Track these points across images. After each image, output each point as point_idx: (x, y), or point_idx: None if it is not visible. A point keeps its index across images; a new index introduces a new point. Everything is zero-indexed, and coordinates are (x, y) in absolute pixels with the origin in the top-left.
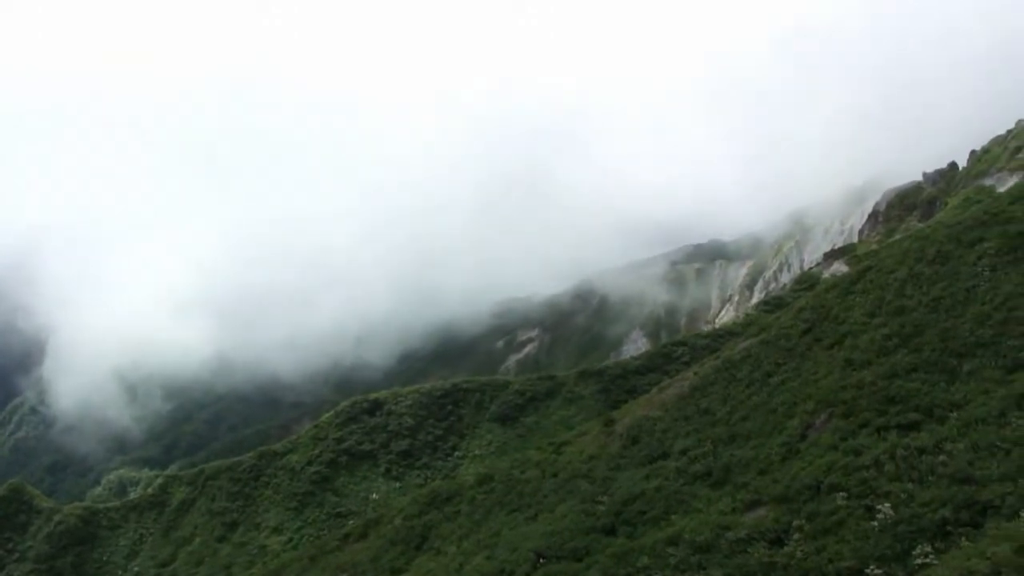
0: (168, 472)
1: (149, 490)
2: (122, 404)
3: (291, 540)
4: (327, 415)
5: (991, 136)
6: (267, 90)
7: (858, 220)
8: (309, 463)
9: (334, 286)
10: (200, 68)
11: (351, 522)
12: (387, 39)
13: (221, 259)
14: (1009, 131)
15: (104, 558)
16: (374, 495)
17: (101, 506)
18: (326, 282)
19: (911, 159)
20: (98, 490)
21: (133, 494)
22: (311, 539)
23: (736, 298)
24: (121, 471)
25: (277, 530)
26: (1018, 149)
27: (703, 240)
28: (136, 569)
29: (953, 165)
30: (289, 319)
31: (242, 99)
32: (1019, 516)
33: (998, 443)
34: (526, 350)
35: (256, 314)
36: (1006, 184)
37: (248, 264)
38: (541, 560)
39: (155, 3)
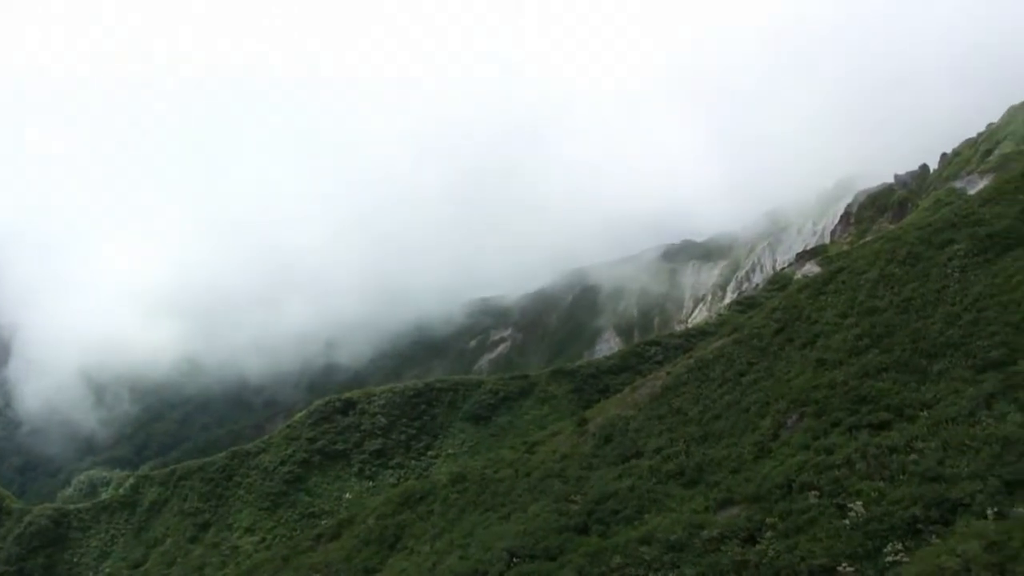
0: (139, 472)
1: (120, 490)
2: (88, 406)
3: (264, 540)
4: (300, 415)
5: (962, 139)
6: (237, 92)
7: (830, 221)
8: (282, 463)
9: (305, 288)
10: (172, 70)
11: (324, 522)
12: (358, 38)
13: (191, 260)
14: (979, 134)
15: (75, 559)
16: (347, 495)
17: (72, 507)
18: (297, 284)
19: (883, 161)
20: (68, 491)
21: (104, 494)
22: (284, 539)
23: (709, 298)
24: (92, 471)
25: (250, 530)
26: (988, 152)
27: (676, 240)
28: (107, 570)
29: (924, 167)
30: (259, 321)
31: (212, 101)
32: (988, 514)
33: (968, 442)
34: (499, 349)
35: (226, 316)
36: (976, 186)
37: (218, 266)
38: (515, 560)
39: (125, 3)
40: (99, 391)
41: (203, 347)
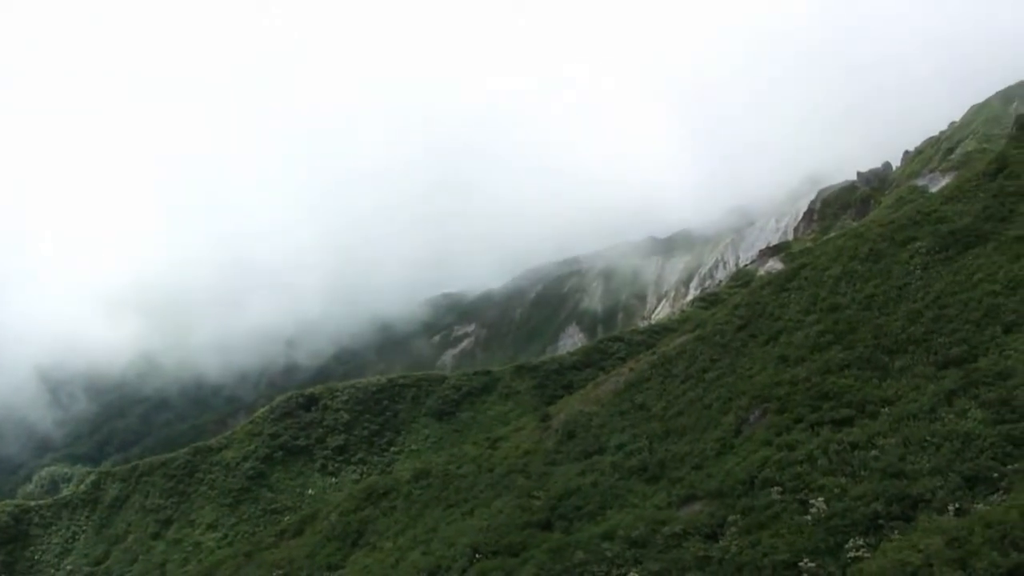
0: (101, 469)
1: (82, 487)
2: (44, 404)
3: (226, 537)
4: (262, 410)
5: (924, 137)
6: (197, 89)
7: (793, 218)
8: (244, 459)
9: (266, 286)
10: (130, 66)
11: (287, 518)
12: (318, 36)
13: (151, 258)
14: (942, 132)
15: (36, 556)
16: (310, 491)
17: (32, 503)
18: (258, 282)
19: (848, 159)
20: (29, 487)
21: (65, 491)
22: (246, 536)
23: (672, 294)
24: (52, 468)
25: (212, 527)
26: (950, 150)
27: (640, 237)
28: (69, 567)
29: (887, 165)
30: (219, 320)
31: (171, 98)
32: (949, 509)
33: (929, 438)
34: (462, 345)
35: (185, 314)
36: (938, 184)
37: (179, 264)
38: (477, 556)
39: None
40: (55, 389)
41: (162, 346)
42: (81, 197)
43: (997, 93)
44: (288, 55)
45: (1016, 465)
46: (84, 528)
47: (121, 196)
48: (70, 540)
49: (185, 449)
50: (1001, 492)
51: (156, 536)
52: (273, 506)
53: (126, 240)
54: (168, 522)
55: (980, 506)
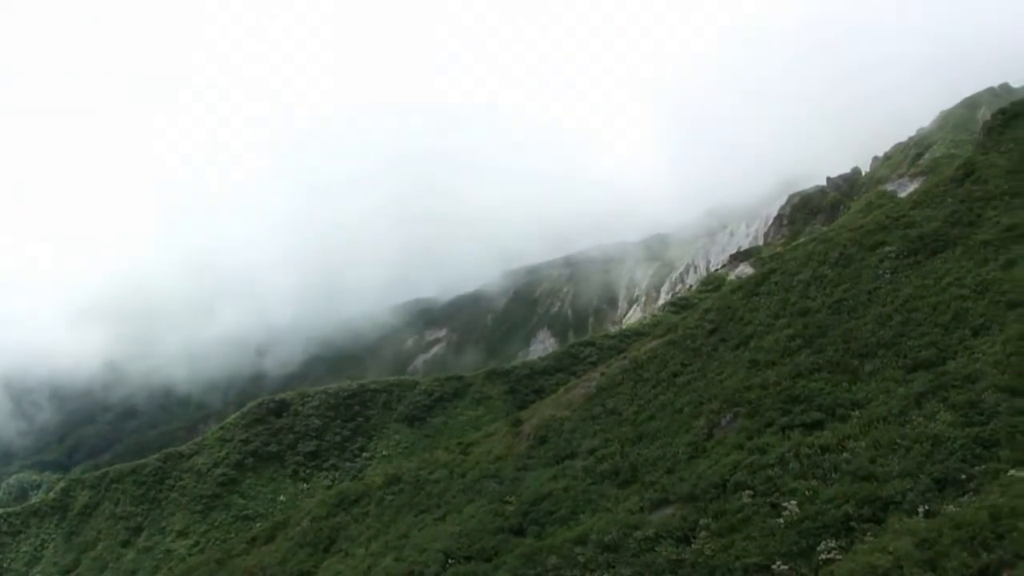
0: (71, 476)
1: (51, 494)
2: (7, 414)
3: (197, 544)
4: (233, 416)
5: (893, 142)
6: (166, 95)
7: (764, 223)
8: (215, 465)
9: (236, 294)
10: (98, 69)
11: (258, 525)
12: (288, 41)
13: (120, 266)
14: (911, 138)
15: (5, 565)
16: (281, 497)
17: (1, 511)
18: (228, 290)
19: (819, 164)
20: None
21: (34, 498)
22: (217, 542)
23: (643, 299)
24: (21, 475)
25: (183, 534)
26: (918, 156)
27: (611, 242)
28: (38, 575)
29: (856, 170)
30: (188, 328)
31: (142, 103)
32: (919, 511)
33: (898, 440)
34: (434, 350)
35: (154, 323)
36: (907, 189)
37: (148, 271)
38: (450, 561)
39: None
40: (19, 398)
41: (128, 355)
42: (46, 205)
43: (964, 100)
44: (259, 59)
45: (985, 466)
46: (53, 536)
47: (87, 203)
48: (39, 548)
49: (155, 456)
50: (970, 493)
51: (126, 544)
52: (244, 512)
53: (92, 248)
54: (138, 529)
55: (949, 507)
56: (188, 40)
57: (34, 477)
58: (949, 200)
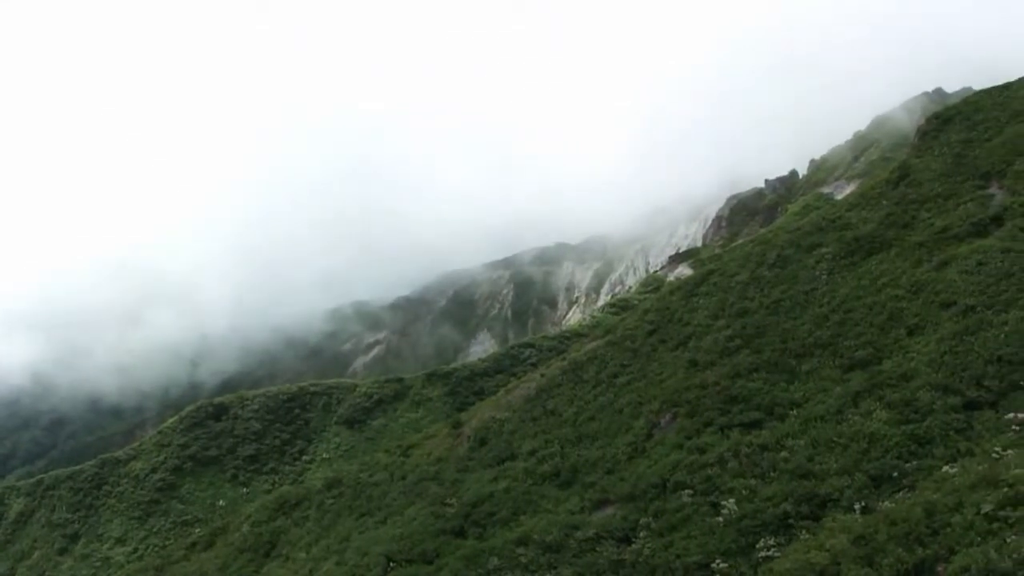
0: (4, 483)
1: None
2: None
3: (136, 551)
4: (171, 420)
5: (830, 146)
6: (102, 98)
7: (703, 225)
8: (153, 470)
9: (170, 304)
10: (33, 71)
11: (198, 530)
12: (222, 47)
13: (49, 276)
14: (847, 141)
15: None
16: (221, 502)
17: None
18: (162, 299)
19: (759, 166)
20: None
21: None
22: (156, 549)
23: (583, 300)
24: None
25: (121, 541)
26: (855, 159)
27: (550, 243)
28: None
29: (794, 173)
30: (120, 338)
31: (75, 106)
32: (856, 508)
33: (835, 439)
34: (373, 353)
35: (84, 333)
36: (843, 191)
37: (79, 281)
38: (391, 564)
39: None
40: None
41: (57, 366)
42: None
43: (900, 104)
44: (192, 62)
45: (919, 463)
46: None
47: (9, 210)
48: None
49: (92, 461)
50: (906, 490)
51: (63, 552)
52: (184, 518)
53: (17, 256)
54: (75, 537)
55: (885, 504)
56: (108, 41)
57: None
58: (884, 202)
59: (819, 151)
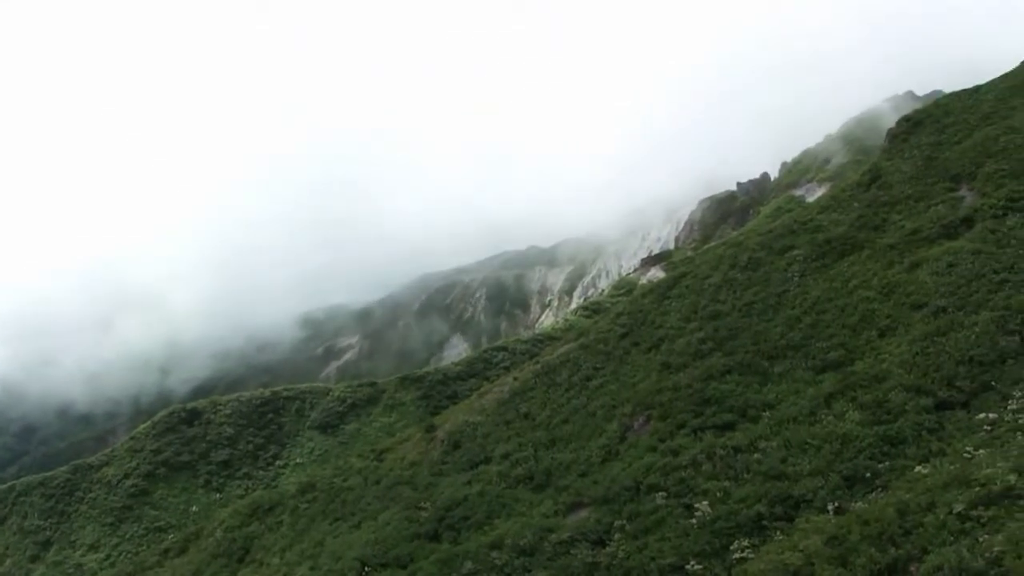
0: None
1: None
2: None
3: (108, 557)
4: (143, 426)
5: (801, 148)
6: (75, 102)
7: (675, 227)
8: (125, 476)
9: (136, 310)
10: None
11: (171, 536)
12: (194, 49)
13: (18, 284)
14: (818, 144)
15: None
16: (194, 507)
17: None
18: (134, 308)
19: (731, 168)
20: None
21: None
22: (129, 555)
23: (555, 303)
24: None
25: (94, 547)
26: (826, 161)
27: (522, 246)
28: None
29: (765, 175)
30: (87, 346)
31: (49, 110)
32: (829, 509)
33: (808, 440)
34: (346, 357)
35: (49, 342)
36: (815, 194)
37: (49, 289)
38: (366, 569)
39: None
40: None
41: (25, 374)
42: None
43: (871, 108)
44: (161, 66)
45: (892, 463)
46: None
47: None
48: None
49: (64, 467)
50: (878, 490)
51: (35, 559)
52: (157, 524)
53: None
54: (47, 544)
55: (858, 505)
56: (74, 44)
57: None
58: (855, 205)
59: (791, 154)
